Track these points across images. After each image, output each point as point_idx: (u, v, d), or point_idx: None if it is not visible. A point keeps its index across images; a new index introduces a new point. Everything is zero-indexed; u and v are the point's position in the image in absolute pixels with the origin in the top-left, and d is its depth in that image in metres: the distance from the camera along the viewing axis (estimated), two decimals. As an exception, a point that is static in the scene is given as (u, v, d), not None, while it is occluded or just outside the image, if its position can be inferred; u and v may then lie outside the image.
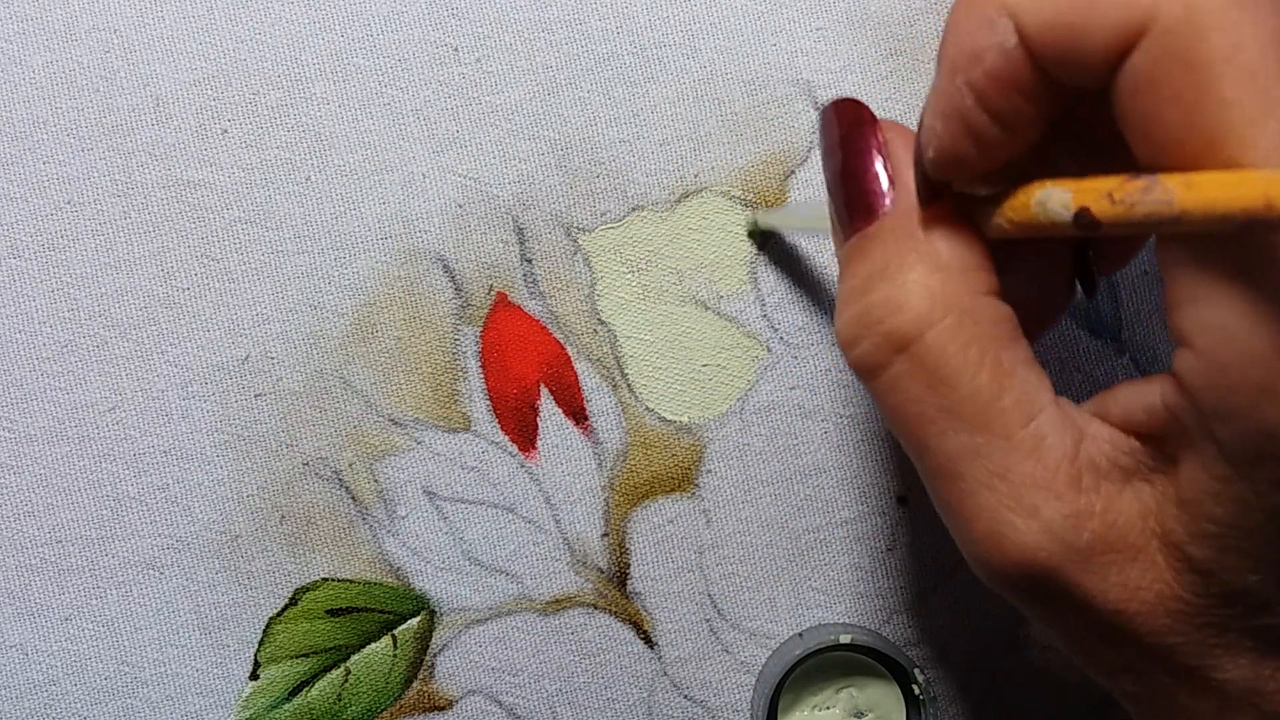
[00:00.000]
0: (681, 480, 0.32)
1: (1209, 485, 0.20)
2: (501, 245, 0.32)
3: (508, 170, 0.32)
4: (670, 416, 0.32)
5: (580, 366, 0.32)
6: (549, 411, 0.32)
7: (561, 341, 0.32)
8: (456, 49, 0.32)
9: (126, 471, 0.32)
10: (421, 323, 0.32)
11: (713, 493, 0.32)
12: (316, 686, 0.32)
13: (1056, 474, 0.21)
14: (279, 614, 0.32)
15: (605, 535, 0.32)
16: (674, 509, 0.32)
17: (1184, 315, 0.20)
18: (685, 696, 0.32)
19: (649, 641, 0.32)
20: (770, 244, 0.32)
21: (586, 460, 0.32)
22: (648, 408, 0.32)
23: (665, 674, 0.32)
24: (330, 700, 0.32)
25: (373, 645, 0.32)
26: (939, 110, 0.21)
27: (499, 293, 0.32)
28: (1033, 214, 0.20)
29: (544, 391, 0.32)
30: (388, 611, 0.32)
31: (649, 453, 0.32)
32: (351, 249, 0.32)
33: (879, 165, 0.23)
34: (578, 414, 0.32)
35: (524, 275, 0.32)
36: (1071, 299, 0.26)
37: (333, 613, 0.32)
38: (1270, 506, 0.20)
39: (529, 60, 0.32)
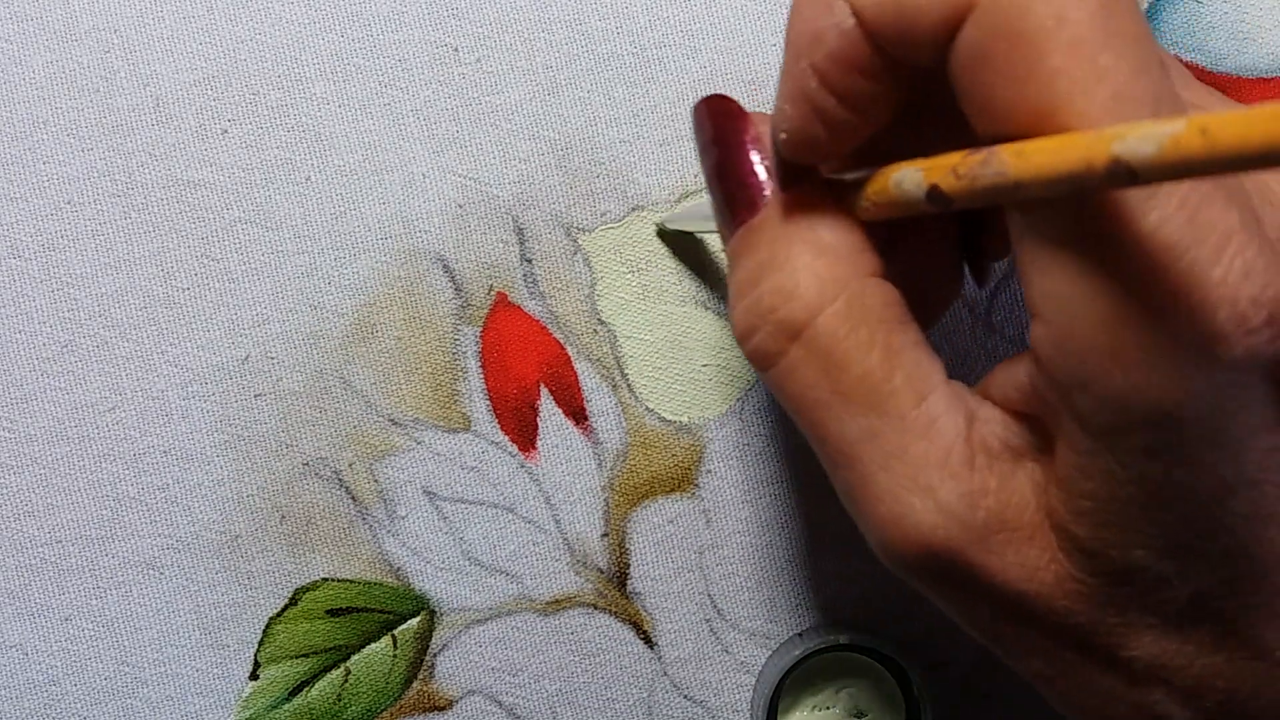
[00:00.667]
0: (681, 480, 0.32)
1: (1076, 460, 0.20)
2: (501, 245, 0.32)
3: (508, 170, 0.32)
4: (670, 416, 0.32)
5: (580, 366, 0.32)
6: (549, 411, 0.32)
7: (561, 341, 0.32)
8: (456, 49, 0.32)
9: (126, 471, 0.32)
10: (421, 323, 0.32)
11: (713, 493, 0.32)
12: (316, 686, 0.32)
13: (950, 453, 0.21)
14: (279, 614, 0.32)
15: (605, 535, 0.32)
16: (674, 509, 0.32)
17: (1031, 285, 0.19)
18: (685, 696, 0.32)
19: (649, 641, 0.32)
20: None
21: (586, 460, 0.32)
22: (648, 408, 0.32)
23: (665, 674, 0.32)
24: (330, 700, 0.32)
25: (373, 645, 0.32)
26: (787, 94, 0.21)
27: (499, 293, 0.32)
28: (892, 195, 0.21)
29: (544, 391, 0.32)
30: (388, 611, 0.32)
31: (649, 453, 0.32)
32: (351, 249, 0.32)
33: (755, 157, 0.23)
34: (578, 414, 0.32)
35: (524, 275, 0.32)
36: (961, 286, 0.26)
37: (333, 613, 0.32)
38: (1138, 477, 0.19)
39: (529, 60, 0.32)
